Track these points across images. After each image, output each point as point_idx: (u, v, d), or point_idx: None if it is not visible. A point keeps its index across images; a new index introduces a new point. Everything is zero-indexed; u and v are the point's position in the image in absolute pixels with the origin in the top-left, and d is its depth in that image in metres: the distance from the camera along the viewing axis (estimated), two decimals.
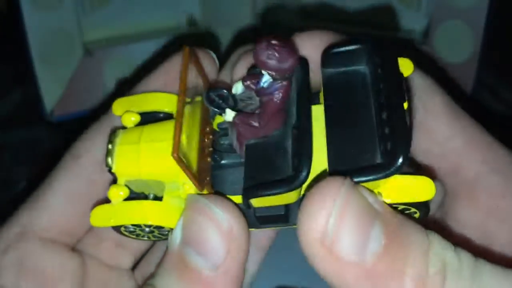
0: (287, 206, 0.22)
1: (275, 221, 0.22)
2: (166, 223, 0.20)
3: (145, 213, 0.20)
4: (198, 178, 0.19)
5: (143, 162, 0.21)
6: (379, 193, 0.20)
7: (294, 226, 0.22)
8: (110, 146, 0.21)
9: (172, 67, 0.24)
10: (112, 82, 0.65)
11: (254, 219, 0.22)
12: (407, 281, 0.16)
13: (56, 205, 0.23)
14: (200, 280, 0.17)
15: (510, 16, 0.72)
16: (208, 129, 0.22)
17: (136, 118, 0.23)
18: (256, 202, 0.20)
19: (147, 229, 0.21)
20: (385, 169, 0.18)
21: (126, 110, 0.23)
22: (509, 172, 0.25)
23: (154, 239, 0.23)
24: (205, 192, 0.20)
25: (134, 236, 0.23)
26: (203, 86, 0.23)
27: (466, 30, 0.60)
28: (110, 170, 0.22)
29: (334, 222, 0.16)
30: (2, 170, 0.67)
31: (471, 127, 0.25)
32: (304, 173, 0.19)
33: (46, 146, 0.73)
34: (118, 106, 0.24)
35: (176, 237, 0.18)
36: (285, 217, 0.22)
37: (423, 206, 0.21)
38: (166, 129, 0.21)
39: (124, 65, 0.66)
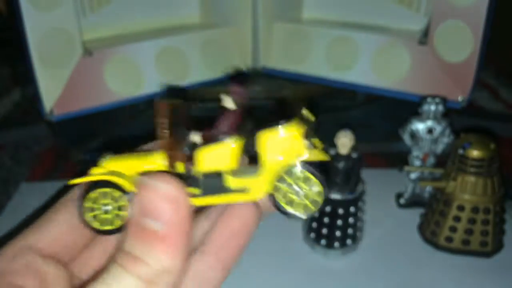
0: (222, 180, 0.27)
1: (215, 189, 0.27)
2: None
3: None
4: (164, 144, 0.25)
5: (123, 162, 0.27)
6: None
7: (226, 200, 0.27)
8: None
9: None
10: (112, 82, 0.65)
11: (201, 193, 0.27)
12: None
13: (55, 232, 0.28)
14: (157, 237, 0.23)
15: (510, 16, 0.72)
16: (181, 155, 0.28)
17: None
18: (199, 161, 0.26)
19: (107, 207, 0.26)
20: None
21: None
22: None
23: (109, 227, 0.27)
24: (165, 159, 0.26)
25: (98, 224, 0.27)
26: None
27: (466, 30, 0.60)
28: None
29: None
30: (2, 170, 0.67)
31: None
32: (233, 136, 0.26)
33: (46, 145, 0.73)
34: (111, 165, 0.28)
35: (134, 211, 0.24)
36: (221, 186, 0.27)
37: None
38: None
39: (124, 65, 0.66)
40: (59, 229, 0.28)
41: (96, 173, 0.27)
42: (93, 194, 0.26)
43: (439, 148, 0.55)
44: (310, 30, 0.72)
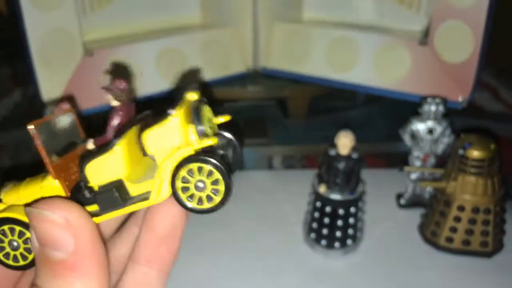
0: (119, 191, 0.25)
1: (111, 203, 0.25)
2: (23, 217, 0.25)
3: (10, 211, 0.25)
4: (53, 163, 0.24)
5: (21, 191, 0.26)
6: None
7: (128, 210, 0.25)
8: None
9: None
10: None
11: (98, 211, 0.26)
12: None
13: None
14: (66, 267, 0.22)
15: (510, 16, 0.72)
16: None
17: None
18: (90, 176, 0.25)
19: (15, 243, 0.25)
20: None
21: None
22: None
23: (24, 261, 0.26)
24: (59, 184, 0.25)
25: (12, 263, 0.26)
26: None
27: (466, 30, 0.60)
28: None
29: None
30: (2, 170, 0.67)
31: None
32: (115, 140, 0.24)
33: None
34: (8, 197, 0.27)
35: (34, 244, 0.23)
36: (117, 199, 0.25)
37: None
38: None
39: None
40: None
41: None
42: None
43: (440, 148, 0.55)
44: (310, 30, 0.72)
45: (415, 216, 0.56)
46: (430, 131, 0.54)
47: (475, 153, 0.47)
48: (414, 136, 0.55)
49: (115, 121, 0.25)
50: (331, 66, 0.71)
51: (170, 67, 0.69)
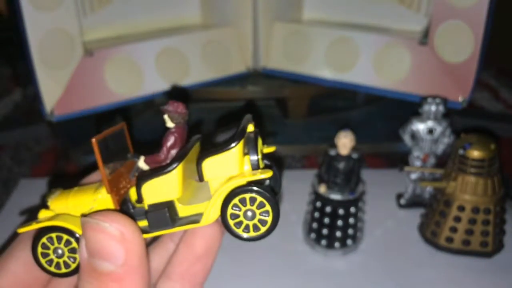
0: (169, 211, 0.26)
1: (162, 222, 0.26)
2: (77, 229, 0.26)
3: (61, 220, 0.26)
4: (108, 178, 0.25)
5: (70, 200, 0.27)
6: None
7: (177, 230, 0.26)
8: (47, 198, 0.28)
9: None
10: (112, 82, 0.65)
11: (147, 227, 0.27)
12: None
13: (16, 271, 0.28)
14: (112, 279, 0.22)
15: (510, 16, 0.72)
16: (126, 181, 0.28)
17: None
18: (145, 194, 0.26)
19: (60, 251, 0.26)
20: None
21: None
22: None
23: (65, 270, 0.27)
24: (110, 197, 0.26)
25: (54, 269, 0.27)
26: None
27: (466, 30, 0.60)
28: (46, 205, 0.27)
29: None
30: (2, 170, 0.67)
31: None
32: (175, 164, 0.25)
33: (46, 145, 0.73)
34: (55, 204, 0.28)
35: (83, 253, 0.23)
36: (168, 219, 0.26)
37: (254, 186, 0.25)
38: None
39: (124, 65, 0.66)
40: (19, 268, 0.27)
41: (43, 218, 0.26)
42: (43, 240, 0.26)
43: (440, 148, 0.55)
44: (310, 30, 0.72)
45: (415, 216, 0.56)
46: (430, 131, 0.54)
47: (475, 153, 0.47)
48: (414, 136, 0.55)
49: (170, 143, 0.26)
50: (331, 66, 0.71)
51: (170, 67, 0.69)
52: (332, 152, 0.48)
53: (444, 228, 0.50)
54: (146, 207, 0.26)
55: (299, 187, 0.59)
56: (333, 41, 0.70)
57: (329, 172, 0.49)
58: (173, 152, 0.26)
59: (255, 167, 0.26)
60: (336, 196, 0.49)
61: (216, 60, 0.73)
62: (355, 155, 0.48)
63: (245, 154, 0.26)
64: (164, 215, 0.26)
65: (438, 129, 0.54)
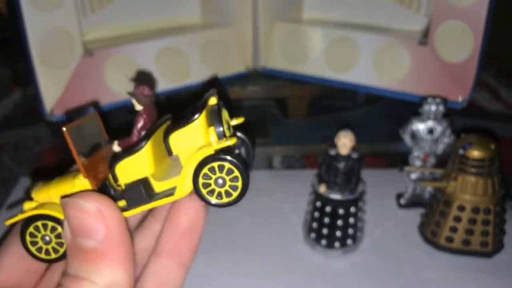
0: (145, 188, 0.27)
1: (138, 199, 0.27)
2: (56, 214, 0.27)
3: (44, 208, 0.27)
4: (84, 163, 0.26)
5: (51, 189, 0.28)
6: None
7: (154, 205, 0.27)
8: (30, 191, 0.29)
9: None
10: (112, 82, 0.65)
11: (126, 206, 0.28)
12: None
13: (9, 264, 0.29)
14: (96, 255, 0.23)
15: (510, 16, 0.72)
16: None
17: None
18: (119, 175, 0.27)
19: (47, 238, 0.27)
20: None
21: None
22: None
23: (55, 255, 0.28)
24: (88, 181, 0.27)
25: (44, 256, 0.28)
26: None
27: (466, 30, 0.60)
28: (30, 197, 0.29)
29: None
30: (2, 170, 0.67)
31: None
32: (143, 142, 0.27)
33: (46, 145, 0.73)
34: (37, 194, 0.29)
35: (67, 234, 0.24)
36: (144, 195, 0.27)
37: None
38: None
39: (124, 65, 0.66)
40: (12, 261, 0.28)
41: (28, 209, 0.28)
42: (30, 229, 0.27)
43: (440, 148, 0.55)
44: (310, 30, 0.72)
45: (415, 216, 0.56)
46: (430, 131, 0.54)
47: (475, 153, 0.47)
48: (414, 136, 0.55)
49: (140, 124, 0.27)
50: (331, 66, 0.71)
51: (170, 67, 0.69)
52: (332, 152, 0.48)
53: (444, 228, 0.50)
54: (123, 187, 0.27)
55: (299, 187, 0.59)
56: (333, 41, 0.70)
57: (329, 172, 0.49)
58: (144, 133, 0.27)
59: (221, 137, 0.27)
60: (336, 196, 0.49)
61: (216, 60, 0.73)
62: (355, 155, 0.48)
63: (209, 125, 0.27)
64: (139, 191, 0.27)
65: (438, 129, 0.54)
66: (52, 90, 0.62)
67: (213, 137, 0.27)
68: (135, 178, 0.27)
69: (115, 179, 0.27)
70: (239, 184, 0.26)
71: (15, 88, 0.92)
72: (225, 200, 0.27)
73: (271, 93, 0.76)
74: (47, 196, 0.28)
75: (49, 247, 0.28)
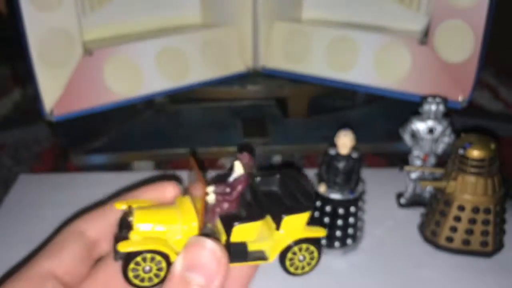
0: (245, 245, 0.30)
1: (241, 255, 0.30)
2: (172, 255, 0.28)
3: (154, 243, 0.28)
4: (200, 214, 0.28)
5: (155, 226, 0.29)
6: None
7: (247, 264, 0.30)
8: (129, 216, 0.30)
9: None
10: (112, 82, 0.65)
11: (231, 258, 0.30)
12: None
13: (67, 262, 0.30)
14: None
15: (510, 16, 0.72)
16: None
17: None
18: (234, 234, 0.29)
19: (147, 268, 0.28)
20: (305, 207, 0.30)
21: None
22: None
23: (148, 283, 0.29)
24: (196, 229, 0.29)
25: (138, 281, 0.29)
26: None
27: (466, 30, 0.60)
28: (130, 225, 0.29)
29: None
30: (2, 170, 0.67)
31: None
32: (265, 213, 0.30)
33: (46, 145, 0.73)
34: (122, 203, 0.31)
35: (178, 264, 0.26)
36: (246, 253, 0.30)
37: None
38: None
39: (124, 65, 0.66)
40: (72, 259, 0.30)
41: (138, 241, 0.29)
42: (138, 258, 0.28)
43: (440, 148, 0.55)
44: (310, 30, 0.72)
45: (415, 215, 0.56)
46: (431, 130, 0.54)
47: (475, 153, 0.47)
48: (414, 135, 0.55)
49: (240, 188, 0.30)
50: (331, 65, 0.71)
51: (170, 67, 0.69)
52: (332, 152, 0.48)
53: (444, 227, 0.50)
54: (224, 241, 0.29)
55: None
56: (333, 40, 0.70)
57: (329, 172, 0.49)
58: (238, 196, 0.30)
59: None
60: (336, 196, 0.49)
61: (215, 60, 0.73)
62: (355, 155, 0.48)
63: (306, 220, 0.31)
64: (245, 249, 0.29)
65: (438, 129, 0.54)
66: (52, 90, 0.62)
67: (304, 227, 0.31)
68: (244, 240, 0.29)
69: (229, 236, 0.29)
70: (313, 262, 0.32)
71: (15, 88, 0.92)
72: (299, 272, 0.32)
73: (271, 93, 0.76)
74: (151, 232, 0.29)
75: (146, 276, 0.29)
